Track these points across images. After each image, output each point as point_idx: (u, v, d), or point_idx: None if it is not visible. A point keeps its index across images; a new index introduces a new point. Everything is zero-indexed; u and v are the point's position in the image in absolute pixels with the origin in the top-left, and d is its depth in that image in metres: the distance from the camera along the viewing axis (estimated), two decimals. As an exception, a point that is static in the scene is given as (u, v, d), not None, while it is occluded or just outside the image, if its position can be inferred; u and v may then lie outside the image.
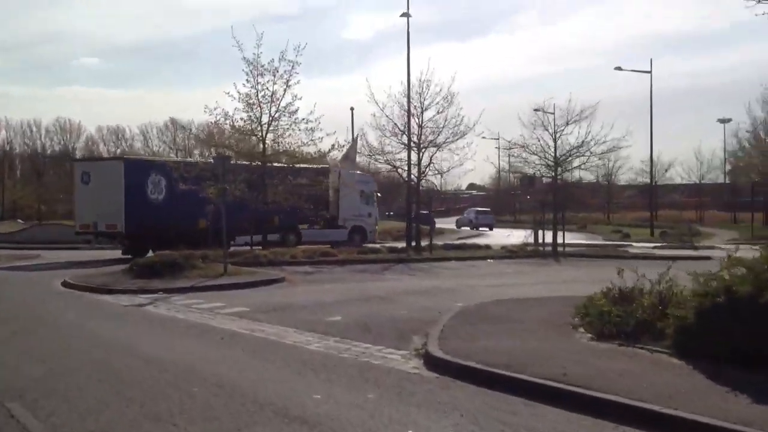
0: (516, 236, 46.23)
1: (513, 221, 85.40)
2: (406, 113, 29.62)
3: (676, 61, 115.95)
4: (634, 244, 40.84)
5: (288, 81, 27.40)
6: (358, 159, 30.27)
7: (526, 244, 35.38)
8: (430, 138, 29.72)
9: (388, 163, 30.97)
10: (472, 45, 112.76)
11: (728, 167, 73.87)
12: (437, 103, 29.21)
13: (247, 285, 18.43)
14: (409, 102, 30.77)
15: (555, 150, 32.71)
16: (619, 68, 51.44)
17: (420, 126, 29.59)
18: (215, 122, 28.11)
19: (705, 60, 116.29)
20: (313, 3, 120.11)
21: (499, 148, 73.88)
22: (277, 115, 27.70)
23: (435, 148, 29.51)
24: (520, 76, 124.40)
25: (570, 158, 32.85)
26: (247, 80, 27.43)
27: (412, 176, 30.83)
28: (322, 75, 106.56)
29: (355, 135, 39.74)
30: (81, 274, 20.68)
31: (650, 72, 50.88)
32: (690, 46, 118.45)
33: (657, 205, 71.98)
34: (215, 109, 27.27)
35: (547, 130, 32.79)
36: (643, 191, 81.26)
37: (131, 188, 28.35)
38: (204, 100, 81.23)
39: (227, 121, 27.71)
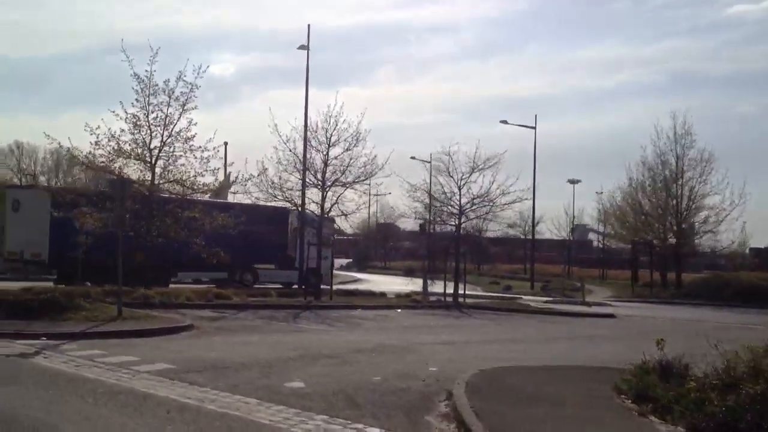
0: (395, 283, 44.85)
1: (383, 267, 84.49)
2: (310, 149, 27.51)
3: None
4: (524, 297, 40.17)
5: (185, 104, 24.66)
6: (257, 195, 27.66)
7: (416, 293, 34.04)
8: (336, 176, 27.69)
9: (287, 201, 28.54)
10: (329, 93, 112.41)
11: (575, 223, 76.15)
12: (345, 140, 27.29)
13: (150, 333, 15.51)
14: (305, 137, 28.84)
15: (460, 198, 31.58)
16: (504, 122, 51.68)
17: (325, 163, 27.50)
18: (96, 143, 24.67)
19: (554, 123, 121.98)
20: (171, 36, 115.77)
21: (369, 194, 73.39)
22: (169, 141, 24.83)
23: (342, 188, 27.47)
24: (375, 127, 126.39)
25: (474, 207, 31.71)
26: (136, 99, 24.46)
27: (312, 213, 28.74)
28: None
29: (227, 171, 37.43)
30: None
31: (534, 127, 51.41)
32: (540, 109, 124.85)
33: (526, 259, 73.06)
34: (97, 127, 24.07)
35: (451, 176, 31.65)
36: (504, 244, 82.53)
37: (59, 217, 26.06)
38: (51, 126, 75.60)
39: (111, 143, 24.41)
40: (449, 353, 13.67)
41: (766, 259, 75.36)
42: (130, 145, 24.27)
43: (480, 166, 30.97)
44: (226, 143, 51.90)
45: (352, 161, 27.49)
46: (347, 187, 27.24)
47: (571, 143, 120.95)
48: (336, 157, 27.41)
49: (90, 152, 24.64)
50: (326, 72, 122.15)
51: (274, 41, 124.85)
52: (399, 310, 26.36)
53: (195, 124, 24.66)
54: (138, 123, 24.37)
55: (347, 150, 27.00)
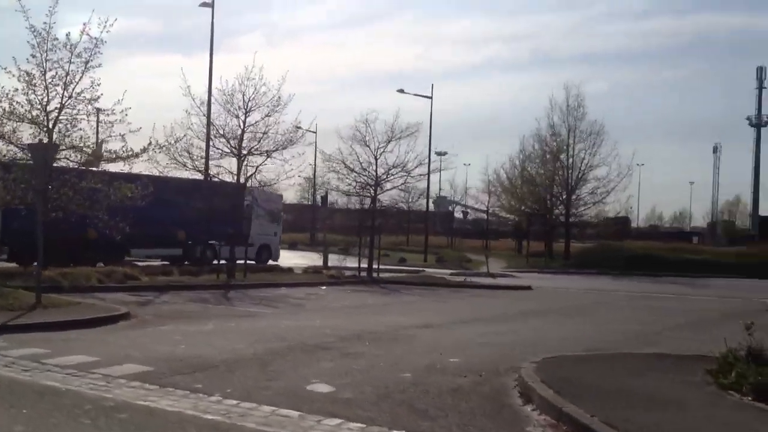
0: (287, 257, 43.16)
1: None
2: (228, 115, 25.24)
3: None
4: (427, 270, 39.48)
5: (88, 61, 21.81)
6: (166, 164, 25.06)
7: (318, 267, 32.81)
8: (253, 144, 25.54)
9: (198, 170, 26.22)
10: (197, 60, 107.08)
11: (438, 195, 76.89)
12: (265, 105, 25.18)
13: (85, 324, 13.30)
14: (209, 101, 26.69)
15: (376, 168, 30.29)
16: (401, 91, 50.51)
17: (242, 130, 25.29)
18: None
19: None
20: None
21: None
22: (69, 102, 21.94)
23: (263, 157, 25.40)
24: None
25: (391, 178, 30.56)
26: (32, 55, 21.39)
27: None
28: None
29: (99, 140, 34.92)
30: None
31: (431, 97, 50.69)
32: (411, 81, 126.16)
33: (409, 230, 72.82)
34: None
35: (368, 146, 30.25)
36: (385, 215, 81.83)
37: None
38: None
39: (2, 104, 21.25)
40: (444, 339, 12.39)
41: (622, 228, 78.82)
42: (24, 106, 21.25)
43: (397, 135, 29.84)
44: (98, 110, 48.16)
45: (269, 128, 25.46)
46: (269, 156, 25.18)
47: (443, 117, 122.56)
48: (253, 124, 25.28)
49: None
50: (190, 38, 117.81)
51: (136, 4, 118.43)
52: (324, 288, 24.90)
53: (99, 84, 21.91)
54: (33, 82, 21.35)
55: (267, 116, 24.94)
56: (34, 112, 21.56)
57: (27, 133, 21.83)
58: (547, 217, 50.91)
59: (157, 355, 10.29)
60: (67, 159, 22.85)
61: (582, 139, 48.52)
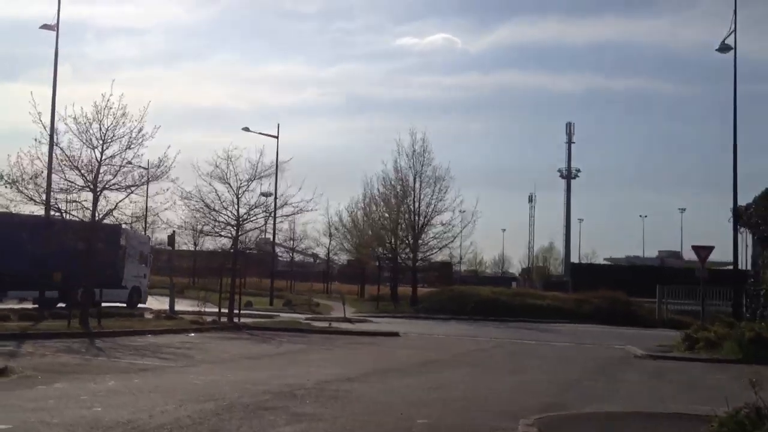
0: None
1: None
2: (83, 145, 22.95)
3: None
4: (281, 314, 38.07)
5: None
6: (12, 197, 22.47)
7: (165, 312, 31.01)
8: (109, 179, 23.37)
9: (42, 203, 23.71)
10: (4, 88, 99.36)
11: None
12: (125, 136, 23.15)
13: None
14: (52, 129, 24.60)
15: (238, 207, 28.88)
16: (246, 129, 49.09)
17: (99, 162, 23.10)
18: None
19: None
20: None
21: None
22: None
23: (120, 192, 23.28)
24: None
25: (254, 217, 29.31)
26: None
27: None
28: None
29: None
30: None
31: (277, 137, 49.71)
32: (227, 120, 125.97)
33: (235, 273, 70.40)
34: None
35: (229, 184, 28.80)
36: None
37: None
38: None
39: None
40: (384, 395, 11.46)
41: (445, 274, 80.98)
42: None
43: (261, 174, 28.75)
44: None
45: (125, 162, 23.43)
46: (132, 191, 23.12)
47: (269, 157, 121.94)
48: (111, 157, 23.15)
49: None
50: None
51: None
52: (192, 335, 23.22)
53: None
54: None
55: (128, 148, 22.93)
56: None
57: None
58: (396, 261, 51.08)
59: (77, 422, 8.71)
60: None
61: (429, 184, 49.28)
